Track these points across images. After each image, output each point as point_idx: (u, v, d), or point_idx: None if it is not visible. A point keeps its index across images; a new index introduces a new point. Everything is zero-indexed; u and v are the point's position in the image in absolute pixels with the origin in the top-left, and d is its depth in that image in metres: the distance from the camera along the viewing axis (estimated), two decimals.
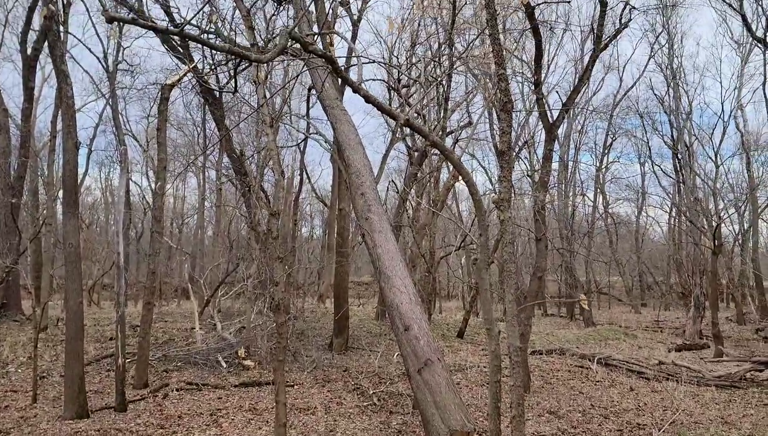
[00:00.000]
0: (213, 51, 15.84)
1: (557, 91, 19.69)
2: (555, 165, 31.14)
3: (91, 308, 28.94)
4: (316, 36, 7.03)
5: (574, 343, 18.91)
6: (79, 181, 15.53)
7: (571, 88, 12.69)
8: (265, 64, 8.89)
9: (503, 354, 6.33)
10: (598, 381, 13.19)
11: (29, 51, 19.23)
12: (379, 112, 28.34)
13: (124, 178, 12.68)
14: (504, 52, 4.44)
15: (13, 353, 14.27)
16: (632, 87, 34.04)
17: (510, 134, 4.30)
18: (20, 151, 18.95)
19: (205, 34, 14.66)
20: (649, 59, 32.91)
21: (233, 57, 12.86)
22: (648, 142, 36.30)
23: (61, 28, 11.68)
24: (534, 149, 29.56)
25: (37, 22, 19.89)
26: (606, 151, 36.86)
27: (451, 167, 20.68)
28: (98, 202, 43.32)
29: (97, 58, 23.68)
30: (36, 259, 19.57)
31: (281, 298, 6.66)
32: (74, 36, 20.13)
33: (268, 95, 8.23)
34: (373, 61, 7.45)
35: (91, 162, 39.00)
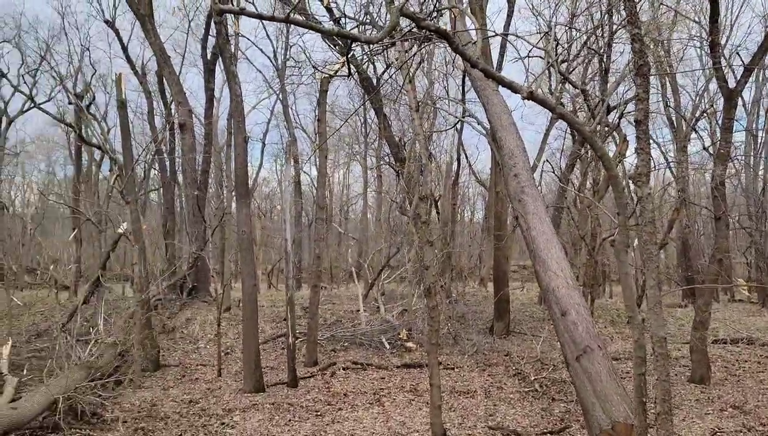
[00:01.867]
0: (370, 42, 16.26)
1: (737, 53, 17.54)
2: (741, 136, 28.08)
3: (270, 290, 31.22)
4: (438, 12, 6.88)
5: (765, 332, 17.00)
6: (253, 173, 16.88)
7: (757, 47, 11.30)
8: (417, 46, 8.93)
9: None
10: None
11: (209, 55, 21.04)
12: (540, 91, 27.42)
13: (291, 168, 13.50)
14: (636, 9, 4.04)
15: (203, 331, 15.82)
16: None
17: (647, 101, 3.92)
18: (204, 148, 20.85)
19: (362, 26, 15.10)
20: None
21: (388, 44, 13.10)
22: None
23: (231, 31, 12.63)
24: (716, 119, 26.83)
25: (214, 28, 21.70)
26: None
27: (617, 144, 19.44)
28: (274, 191, 46.47)
29: (268, 57, 25.34)
30: (221, 246, 21.53)
31: (432, 282, 6.70)
32: (246, 38, 21.71)
33: (416, 80, 8.29)
34: (495, 35, 7.13)
35: (265, 154, 41.86)
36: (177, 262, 19.64)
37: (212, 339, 15.21)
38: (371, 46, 10.68)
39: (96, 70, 26.29)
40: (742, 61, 11.75)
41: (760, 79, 27.15)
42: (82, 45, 26.53)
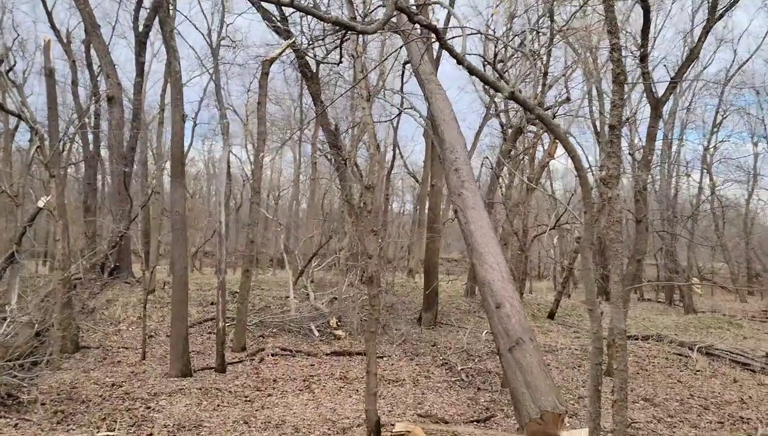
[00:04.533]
0: (311, 27, 16.14)
1: (664, 65, 18.60)
2: (658, 143, 29.60)
3: (194, 273, 30.52)
4: (419, 7, 6.98)
5: (673, 330, 18.10)
6: (184, 153, 16.39)
7: (680, 62, 11.97)
8: (362, 37, 8.98)
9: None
10: (698, 371, 12.59)
11: (141, 28, 20.23)
12: (474, 88, 27.67)
13: (226, 150, 13.22)
14: (616, 20, 4.24)
15: (125, 313, 15.30)
16: (747, 61, 31.58)
17: (621, 108, 4.12)
18: (132, 123, 20.05)
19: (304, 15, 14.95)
20: None
21: (331, 32, 13.04)
22: (763, 120, 33.74)
23: (171, 6, 12.21)
24: (636, 126, 28.22)
25: (147, 0, 20.89)
26: (715, 129, 34.56)
27: (546, 145, 20.14)
28: (201, 173, 45.37)
29: (202, 34, 24.64)
30: (145, 225, 20.80)
31: (374, 271, 6.77)
32: (181, 13, 21.04)
33: (365, 69, 8.30)
34: (478, 33, 7.28)
35: (195, 135, 40.81)
36: (99, 240, 18.88)
37: (135, 321, 14.75)
38: (360, 34, 10.55)
39: (18, 35, 24.73)
40: (669, 74, 12.46)
41: (678, 91, 28.69)
42: (3, 5, 24.85)
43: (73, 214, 24.25)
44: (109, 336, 13.84)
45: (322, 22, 14.48)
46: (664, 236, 25.74)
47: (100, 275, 17.73)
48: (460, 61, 4.00)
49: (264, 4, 15.59)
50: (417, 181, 31.34)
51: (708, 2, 11.66)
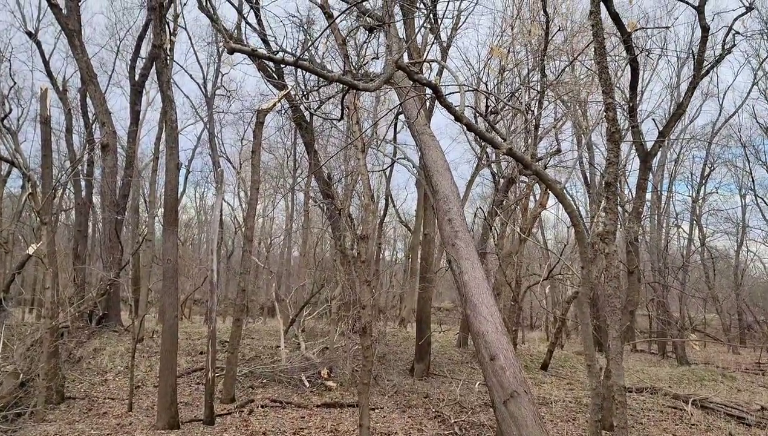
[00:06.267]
0: (305, 77, 16.42)
1: (653, 119, 19.02)
2: (648, 195, 29.96)
3: (183, 322, 30.14)
4: (416, 64, 7.15)
5: (667, 382, 17.95)
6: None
7: (667, 116, 12.27)
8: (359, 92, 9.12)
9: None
10: (693, 424, 12.43)
11: (137, 77, 20.52)
12: (465, 138, 27.99)
13: (219, 198, 13.24)
14: (611, 81, 4.34)
15: (112, 363, 15.04)
16: (733, 115, 32.28)
17: (617, 165, 4.20)
18: (126, 171, 20.13)
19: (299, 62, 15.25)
20: (753, 86, 31.21)
21: (326, 83, 13.25)
22: (751, 173, 34.27)
23: (168, 57, 12.39)
24: (626, 178, 28.58)
25: (144, 50, 21.24)
26: (703, 181, 35.06)
27: (538, 195, 20.31)
28: (193, 220, 45.28)
29: (198, 84, 24.98)
30: (135, 273, 20.64)
31: (368, 321, 6.71)
32: (178, 64, 21.38)
33: (360, 122, 8.42)
34: (475, 90, 7.43)
35: (188, 182, 40.89)
36: (88, 288, 18.67)
37: (122, 371, 14.48)
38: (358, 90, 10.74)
39: (15, 83, 24.98)
40: (657, 127, 12.71)
41: (665, 144, 29.20)
42: (0, 54, 25.15)
43: (63, 262, 24.02)
44: (95, 386, 13.56)
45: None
46: (656, 287, 25.78)
47: (88, 324, 17.48)
48: (458, 118, 4.07)
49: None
50: (409, 230, 31.40)
51: (694, 59, 11.98)
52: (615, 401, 4.19)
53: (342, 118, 7.79)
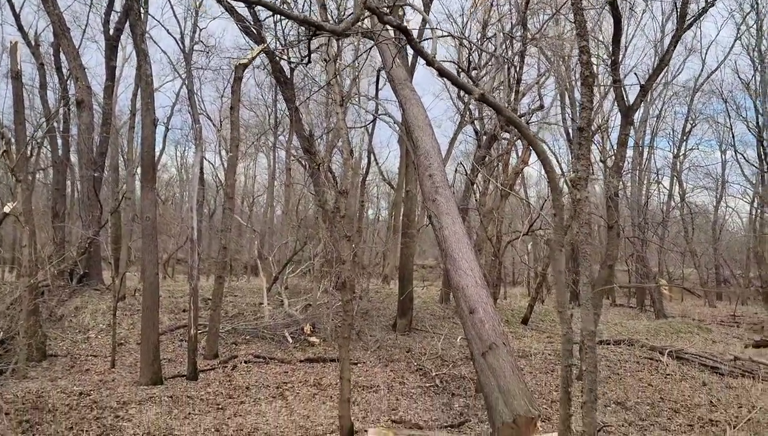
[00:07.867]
0: (285, 32, 16.09)
1: (635, 74, 18.98)
2: (629, 151, 30.08)
3: (166, 280, 30.13)
4: (389, 9, 6.98)
5: (644, 334, 18.33)
6: (156, 158, 16.22)
7: (650, 71, 12.20)
8: (336, 41, 8.95)
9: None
10: (668, 374, 12.73)
11: (111, 31, 19.97)
12: (449, 95, 27.79)
13: (199, 155, 13.08)
14: (585, 23, 4.27)
15: (94, 320, 15.01)
16: (716, 70, 32.28)
17: (590, 110, 4.16)
18: (102, 128, 19.74)
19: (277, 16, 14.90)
20: (735, 41, 31.22)
21: (305, 37, 12.99)
22: (731, 129, 34.48)
23: (142, 9, 12.04)
24: (608, 134, 28.65)
25: (118, 3, 20.63)
26: (685, 137, 35.26)
27: (520, 152, 20.32)
28: (173, 179, 44.87)
29: (175, 39, 24.44)
30: (115, 231, 20.46)
31: (348, 276, 6.72)
32: (153, 17, 20.88)
33: (339, 73, 8.28)
34: (449, 35, 7.30)
35: (167, 140, 40.36)
36: (68, 247, 18.51)
37: (104, 329, 14.47)
38: (330, 35, 10.50)
39: None
40: (639, 81, 12.64)
41: (648, 99, 29.22)
42: None
43: (41, 221, 23.75)
44: (77, 344, 13.55)
45: (296, 27, 14.46)
46: (636, 241, 26.11)
47: (69, 282, 17.38)
48: (430, 62, 3.99)
49: (235, 5, 15.49)
50: (392, 187, 31.38)
51: (677, 12, 11.87)
52: (584, 346, 4.25)
53: (309, 60, 7.63)
